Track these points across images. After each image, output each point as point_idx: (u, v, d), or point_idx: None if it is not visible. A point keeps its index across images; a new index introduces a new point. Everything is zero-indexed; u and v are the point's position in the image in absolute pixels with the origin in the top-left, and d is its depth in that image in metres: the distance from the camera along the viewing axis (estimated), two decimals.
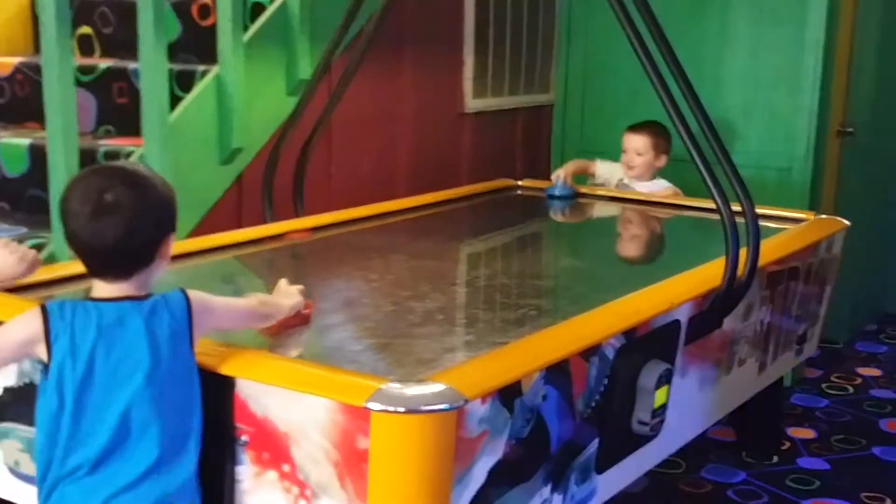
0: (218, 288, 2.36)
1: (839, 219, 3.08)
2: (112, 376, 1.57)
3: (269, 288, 1.92)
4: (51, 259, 2.38)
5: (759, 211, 3.10)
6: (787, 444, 3.35)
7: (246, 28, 2.83)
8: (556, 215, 3.43)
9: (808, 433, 3.45)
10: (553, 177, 3.53)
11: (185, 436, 1.61)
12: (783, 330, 2.80)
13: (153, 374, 1.58)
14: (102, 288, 1.62)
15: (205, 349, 1.68)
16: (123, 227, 1.56)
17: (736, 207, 2.25)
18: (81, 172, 1.69)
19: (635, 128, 3.59)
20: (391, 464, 1.55)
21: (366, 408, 1.53)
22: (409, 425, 1.54)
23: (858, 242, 4.25)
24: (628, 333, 1.98)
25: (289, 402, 1.60)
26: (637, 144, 3.56)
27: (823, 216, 3.15)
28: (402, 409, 1.53)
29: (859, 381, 3.96)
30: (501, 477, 1.70)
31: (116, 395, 1.57)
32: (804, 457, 3.26)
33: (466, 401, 1.56)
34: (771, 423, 3.26)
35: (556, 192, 3.46)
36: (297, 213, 2.86)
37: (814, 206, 3.72)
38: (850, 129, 4.19)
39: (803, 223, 3.00)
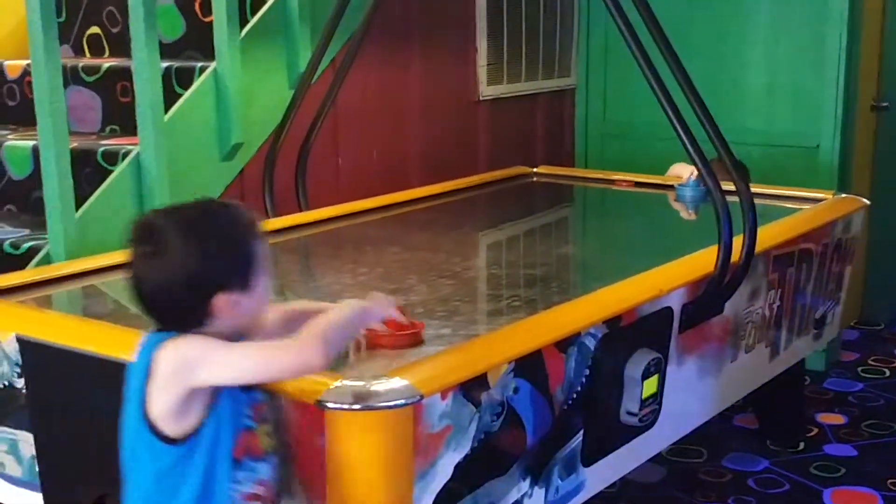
0: None
1: (858, 198, 2.97)
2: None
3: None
4: (46, 260, 2.40)
5: (778, 192, 3.07)
6: (815, 431, 3.25)
7: (246, 23, 2.83)
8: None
9: (837, 419, 3.35)
10: (686, 173, 3.19)
11: None
12: (797, 314, 2.71)
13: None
14: None
15: None
16: (155, 282, 1.40)
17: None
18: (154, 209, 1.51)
19: None
20: (348, 462, 1.53)
21: (320, 405, 1.51)
22: (365, 422, 1.52)
23: None
24: (612, 322, 1.93)
25: None
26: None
27: (843, 195, 3.04)
28: (356, 406, 1.51)
29: None
30: (471, 472, 1.67)
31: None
32: (831, 443, 3.17)
33: (422, 396, 1.53)
34: (794, 410, 3.17)
35: (689, 193, 3.15)
36: (300, 208, 2.85)
37: (843, 184, 3.60)
38: (885, 104, 4.06)
39: (820, 203, 2.90)
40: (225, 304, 1.42)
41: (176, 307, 1.42)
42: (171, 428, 1.41)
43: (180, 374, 1.39)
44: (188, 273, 1.39)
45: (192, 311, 1.42)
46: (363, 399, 1.51)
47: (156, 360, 1.40)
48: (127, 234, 1.43)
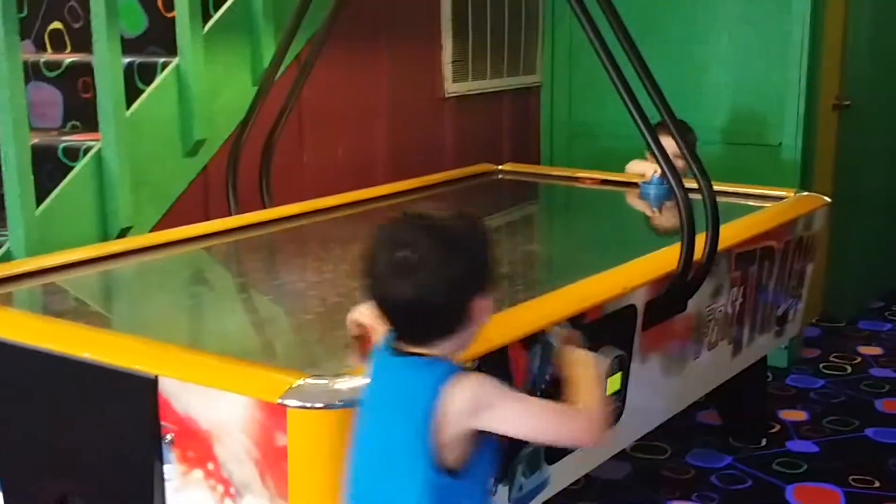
0: (179, 281, 2.37)
1: (820, 196, 3.00)
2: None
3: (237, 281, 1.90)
4: (7, 257, 2.37)
5: (740, 190, 3.09)
6: (777, 427, 3.28)
7: (209, 18, 2.80)
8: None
9: (799, 415, 3.38)
10: (647, 171, 3.19)
11: None
12: (759, 311, 2.73)
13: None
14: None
15: (125, 346, 1.67)
16: (413, 291, 1.37)
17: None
18: (395, 217, 1.46)
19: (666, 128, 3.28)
20: (310, 460, 1.53)
21: (282, 404, 1.50)
22: (326, 421, 1.51)
23: (862, 218, 4.19)
24: (576, 320, 1.94)
25: (209, 399, 1.58)
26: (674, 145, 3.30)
27: (805, 193, 3.07)
28: (318, 405, 1.51)
29: (858, 360, 3.88)
30: None
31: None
32: (793, 440, 3.20)
33: None
34: (757, 406, 3.20)
35: (652, 190, 3.16)
36: (264, 205, 2.83)
37: (805, 182, 3.64)
38: (847, 103, 4.11)
39: (782, 201, 2.92)
40: (479, 308, 1.41)
41: (435, 315, 1.40)
42: (447, 459, 1.38)
43: (467, 413, 1.37)
44: (451, 279, 1.37)
45: (449, 317, 1.40)
46: (325, 398, 1.50)
47: (445, 394, 1.37)
48: (367, 253, 1.41)
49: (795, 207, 2.87)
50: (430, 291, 1.37)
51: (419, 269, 1.36)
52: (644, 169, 3.23)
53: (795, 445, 3.16)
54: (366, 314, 1.57)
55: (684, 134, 3.18)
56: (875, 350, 3.99)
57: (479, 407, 1.37)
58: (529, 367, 1.85)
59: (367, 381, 1.47)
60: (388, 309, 1.41)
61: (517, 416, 1.41)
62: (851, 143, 4.16)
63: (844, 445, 3.16)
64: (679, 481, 2.93)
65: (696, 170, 2.22)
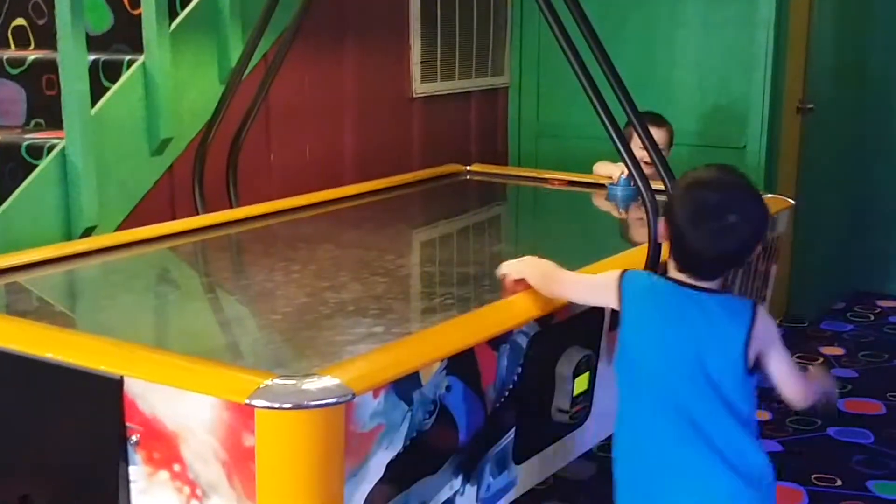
0: (144, 281, 2.35)
1: (784, 198, 3.03)
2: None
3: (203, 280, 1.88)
4: None
5: None
6: None
7: (176, 16, 2.78)
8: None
9: (763, 415, 3.41)
10: (613, 172, 3.19)
11: None
12: None
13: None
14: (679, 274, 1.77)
15: (90, 346, 1.65)
16: (736, 247, 1.71)
17: None
18: (714, 175, 1.75)
19: (656, 120, 3.24)
20: (278, 461, 1.52)
21: (249, 404, 1.49)
22: (295, 422, 1.50)
23: (825, 219, 4.24)
24: (543, 321, 1.94)
25: (175, 399, 1.56)
26: (659, 138, 3.13)
27: (769, 195, 3.09)
28: (286, 406, 1.50)
29: (821, 360, 3.92)
30: (403, 470, 1.67)
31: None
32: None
33: (354, 395, 1.52)
34: None
35: (619, 192, 3.16)
36: (230, 204, 2.81)
37: (769, 184, 3.68)
38: (811, 106, 4.15)
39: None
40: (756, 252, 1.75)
41: (742, 260, 1.78)
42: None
43: (764, 341, 1.72)
44: (763, 232, 1.73)
45: (745, 260, 1.78)
46: (293, 398, 1.49)
47: (758, 320, 1.71)
48: (687, 201, 1.73)
49: None
50: (749, 245, 1.72)
51: (745, 229, 1.69)
52: (611, 170, 3.25)
53: None
54: (517, 269, 1.98)
55: (661, 125, 3.21)
56: (837, 350, 4.04)
57: (771, 338, 1.74)
58: (498, 368, 1.85)
59: (635, 305, 1.81)
60: (704, 259, 1.73)
61: (786, 359, 1.77)
62: (815, 145, 4.20)
63: (808, 445, 3.19)
64: None
65: (662, 171, 2.23)
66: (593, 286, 1.90)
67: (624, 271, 1.82)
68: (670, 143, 3.35)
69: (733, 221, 1.67)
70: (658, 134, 3.23)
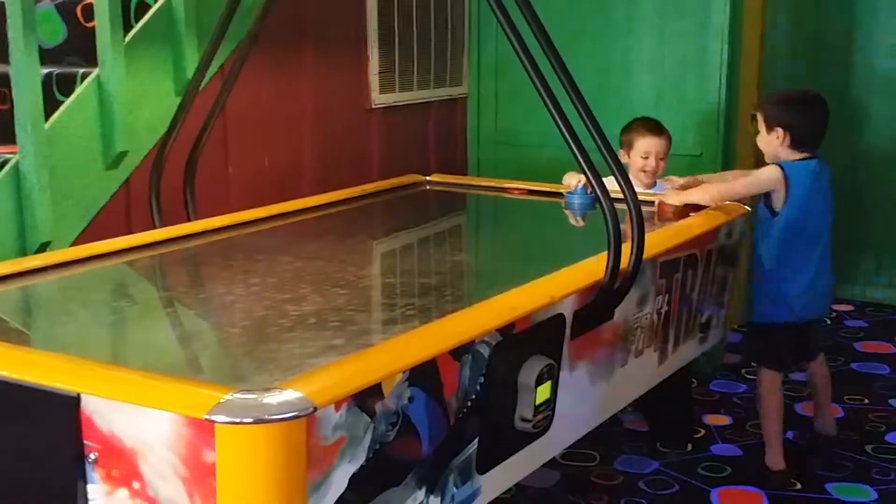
0: (101, 296, 2.32)
1: (740, 205, 3.06)
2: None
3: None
4: None
5: None
6: (702, 432, 3.34)
7: (130, 28, 2.76)
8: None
9: (723, 420, 3.45)
10: (574, 182, 3.18)
11: None
12: (684, 318, 2.78)
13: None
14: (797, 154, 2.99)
15: (45, 364, 1.62)
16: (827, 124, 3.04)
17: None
18: (809, 91, 3.13)
19: (654, 129, 3.30)
20: (239, 477, 1.50)
21: (209, 420, 1.48)
22: (256, 436, 1.49)
23: None
24: (505, 330, 1.94)
25: (133, 416, 1.54)
26: (661, 148, 3.29)
27: (726, 202, 3.12)
28: (247, 420, 1.48)
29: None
30: (366, 483, 1.66)
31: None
32: (718, 444, 3.25)
33: (315, 408, 1.51)
34: (682, 412, 3.25)
35: (577, 200, 3.17)
36: (188, 217, 2.79)
37: None
38: None
39: (704, 210, 2.97)
40: None
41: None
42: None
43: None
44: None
45: None
46: (254, 413, 1.48)
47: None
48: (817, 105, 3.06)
49: (718, 216, 2.92)
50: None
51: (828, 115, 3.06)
52: (574, 180, 3.26)
53: (719, 449, 3.22)
54: (680, 200, 2.99)
55: (661, 133, 3.34)
56: None
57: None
58: (460, 378, 1.85)
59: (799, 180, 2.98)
60: (817, 136, 3.03)
61: None
62: None
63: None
64: (608, 487, 2.96)
65: (620, 179, 2.24)
66: (758, 183, 3.01)
67: (779, 164, 2.96)
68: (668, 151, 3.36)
69: (827, 110, 3.01)
70: (658, 142, 3.30)
